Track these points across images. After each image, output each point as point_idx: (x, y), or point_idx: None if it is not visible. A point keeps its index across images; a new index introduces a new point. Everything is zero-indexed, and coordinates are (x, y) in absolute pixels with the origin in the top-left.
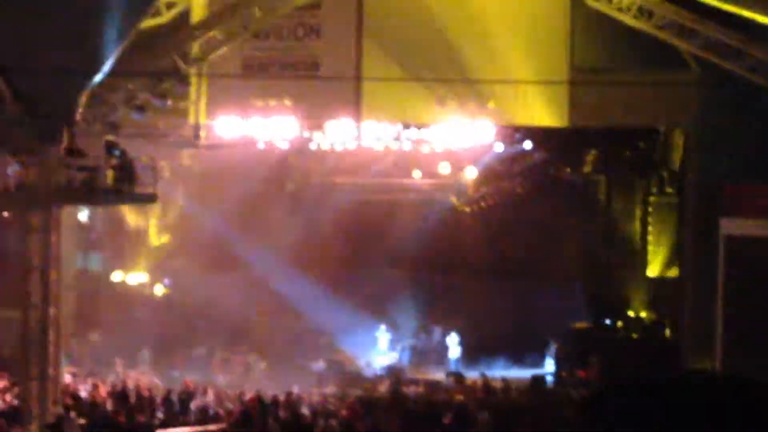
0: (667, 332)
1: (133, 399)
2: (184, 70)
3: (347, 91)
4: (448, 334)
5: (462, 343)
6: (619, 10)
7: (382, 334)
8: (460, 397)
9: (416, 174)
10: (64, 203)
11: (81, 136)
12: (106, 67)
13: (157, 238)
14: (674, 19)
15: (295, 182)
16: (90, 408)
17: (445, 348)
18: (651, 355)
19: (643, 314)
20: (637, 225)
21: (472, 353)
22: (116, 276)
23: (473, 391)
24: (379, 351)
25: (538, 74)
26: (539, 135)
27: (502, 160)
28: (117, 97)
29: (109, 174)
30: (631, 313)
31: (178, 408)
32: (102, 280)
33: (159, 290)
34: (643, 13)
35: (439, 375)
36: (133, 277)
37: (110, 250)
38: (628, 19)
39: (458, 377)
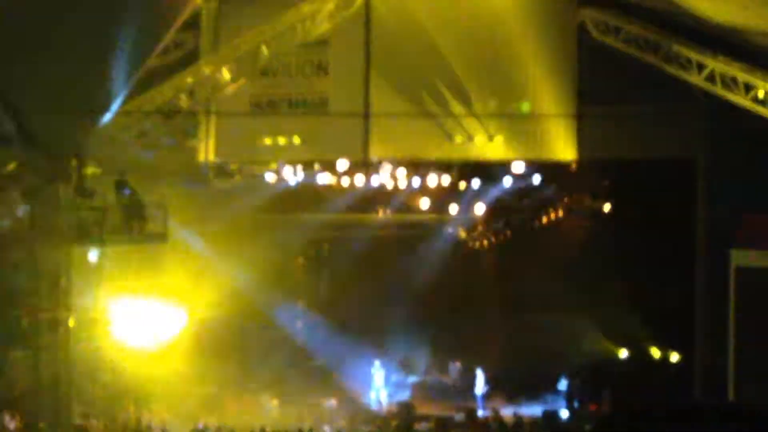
0: (679, 365)
1: None
2: (193, 109)
3: (356, 127)
4: (465, 370)
5: (477, 379)
6: (626, 42)
7: (395, 371)
8: None
9: (425, 209)
10: (74, 244)
11: (90, 176)
12: (115, 106)
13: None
14: (680, 51)
15: (303, 218)
16: None
17: (461, 384)
18: (663, 387)
19: (654, 346)
20: (646, 256)
21: (485, 388)
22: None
23: (485, 427)
24: (391, 387)
25: (546, 108)
26: (548, 168)
27: (512, 194)
28: (126, 135)
29: (119, 214)
30: (643, 346)
31: None
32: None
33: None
34: (650, 45)
35: (450, 411)
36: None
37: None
38: (634, 52)
39: (470, 413)
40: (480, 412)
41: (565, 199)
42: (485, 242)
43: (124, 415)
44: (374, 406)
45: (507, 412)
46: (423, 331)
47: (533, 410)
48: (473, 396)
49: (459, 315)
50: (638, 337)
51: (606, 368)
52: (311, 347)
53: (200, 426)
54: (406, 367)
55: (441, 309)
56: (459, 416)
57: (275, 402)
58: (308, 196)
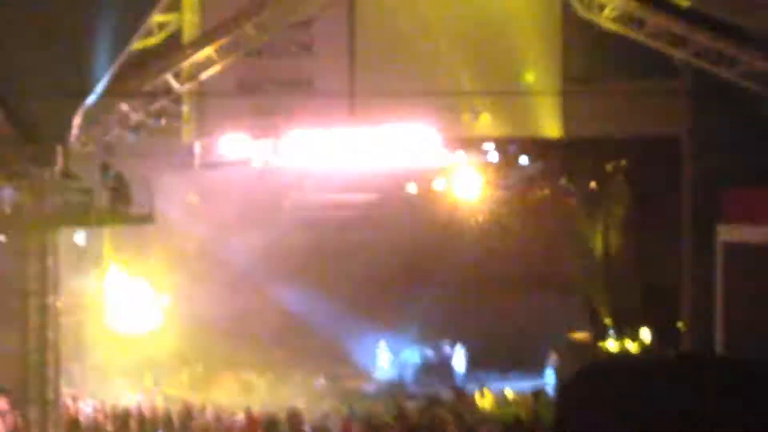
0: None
1: (134, 420)
2: (177, 90)
3: (341, 107)
4: (454, 348)
5: (465, 357)
6: (611, 19)
7: (385, 349)
8: (461, 412)
9: (411, 188)
10: (60, 226)
11: (76, 159)
12: (99, 88)
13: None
14: (666, 27)
15: (292, 199)
16: (91, 431)
17: (451, 362)
18: None
19: (641, 323)
20: (635, 233)
21: (474, 366)
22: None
23: (474, 404)
24: (382, 366)
25: (532, 85)
26: (534, 146)
27: (498, 172)
28: (111, 118)
29: (105, 196)
30: (631, 323)
31: (179, 428)
32: (103, 302)
33: (160, 309)
34: (635, 22)
35: (440, 389)
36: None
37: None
38: (619, 29)
39: (459, 391)
40: (467, 389)
41: (551, 178)
42: (473, 220)
43: (113, 397)
44: (366, 385)
45: (495, 388)
46: (415, 310)
47: (522, 386)
48: (462, 373)
49: (450, 293)
50: (627, 314)
51: (593, 345)
52: (306, 326)
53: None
54: (398, 345)
55: (432, 287)
56: (447, 394)
57: (264, 381)
58: (295, 177)
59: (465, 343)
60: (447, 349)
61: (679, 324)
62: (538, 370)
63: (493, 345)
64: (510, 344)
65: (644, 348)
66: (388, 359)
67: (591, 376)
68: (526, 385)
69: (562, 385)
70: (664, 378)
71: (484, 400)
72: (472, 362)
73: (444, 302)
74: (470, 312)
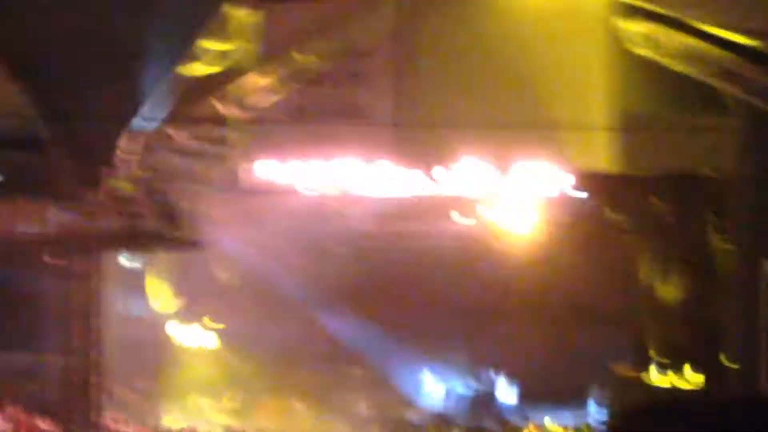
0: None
1: None
2: (226, 115)
3: (391, 136)
4: (500, 379)
5: (512, 389)
6: (668, 56)
7: (431, 379)
8: None
9: (459, 218)
10: (105, 249)
11: (124, 182)
12: (149, 112)
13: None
14: (721, 63)
15: (337, 226)
16: None
17: (497, 394)
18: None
19: (687, 359)
20: (682, 268)
21: (520, 398)
22: (162, 320)
23: None
24: (428, 396)
25: (587, 120)
26: (589, 181)
27: (552, 206)
28: (159, 142)
29: (152, 219)
30: (675, 359)
31: None
32: (149, 325)
33: (205, 334)
34: (692, 58)
35: (487, 422)
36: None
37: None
38: (676, 65)
39: (506, 424)
40: (514, 422)
41: (600, 211)
42: (524, 252)
43: (157, 422)
44: (411, 414)
45: (540, 420)
46: (462, 340)
47: (566, 419)
48: (509, 405)
49: (498, 324)
50: (673, 349)
51: (639, 380)
52: (350, 353)
53: None
54: (444, 375)
55: (479, 318)
56: (493, 427)
57: (307, 409)
58: (341, 204)
59: (511, 374)
60: (493, 380)
61: (725, 360)
62: (583, 403)
63: (538, 377)
64: (555, 376)
65: (691, 384)
66: (433, 389)
67: (647, 414)
68: (571, 418)
69: (615, 422)
70: (720, 421)
71: None
72: (519, 394)
73: (491, 333)
74: (516, 343)
